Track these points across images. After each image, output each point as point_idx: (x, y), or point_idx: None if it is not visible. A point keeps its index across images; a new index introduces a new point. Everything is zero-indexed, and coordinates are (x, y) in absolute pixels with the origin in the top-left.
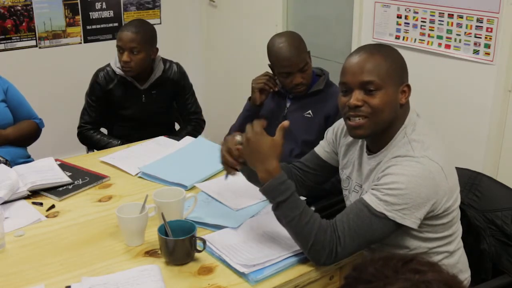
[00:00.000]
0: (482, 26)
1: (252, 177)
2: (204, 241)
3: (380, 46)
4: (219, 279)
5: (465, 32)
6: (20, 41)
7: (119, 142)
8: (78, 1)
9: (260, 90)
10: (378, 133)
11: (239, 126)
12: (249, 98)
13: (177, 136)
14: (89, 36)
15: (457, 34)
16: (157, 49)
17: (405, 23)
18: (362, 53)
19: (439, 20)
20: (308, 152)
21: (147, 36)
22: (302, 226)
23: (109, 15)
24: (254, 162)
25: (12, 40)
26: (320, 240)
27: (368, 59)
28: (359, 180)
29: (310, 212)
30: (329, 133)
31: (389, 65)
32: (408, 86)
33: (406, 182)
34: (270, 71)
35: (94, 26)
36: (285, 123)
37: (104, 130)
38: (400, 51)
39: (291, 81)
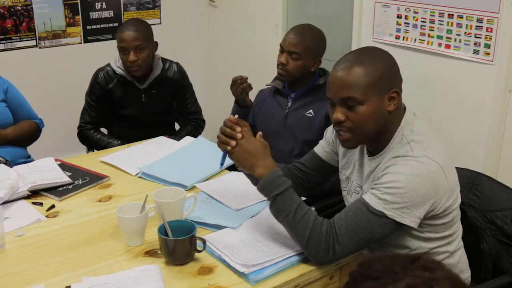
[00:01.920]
0: (482, 26)
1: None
2: (204, 241)
3: (365, 54)
4: (219, 279)
5: (465, 32)
6: (20, 41)
7: (119, 142)
8: (78, 1)
9: (244, 94)
10: (373, 138)
11: None
12: (236, 102)
13: (177, 136)
14: (89, 36)
15: (457, 34)
16: (156, 43)
17: (405, 23)
18: (344, 65)
19: (439, 20)
20: (308, 151)
21: (147, 32)
22: (297, 220)
23: (109, 15)
24: (251, 162)
25: (12, 40)
26: (315, 234)
27: (349, 73)
28: (360, 181)
29: (305, 207)
30: (329, 132)
31: (371, 77)
32: (397, 92)
33: (405, 181)
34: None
35: (94, 26)
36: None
37: (104, 130)
38: (400, 51)
39: (279, 57)
